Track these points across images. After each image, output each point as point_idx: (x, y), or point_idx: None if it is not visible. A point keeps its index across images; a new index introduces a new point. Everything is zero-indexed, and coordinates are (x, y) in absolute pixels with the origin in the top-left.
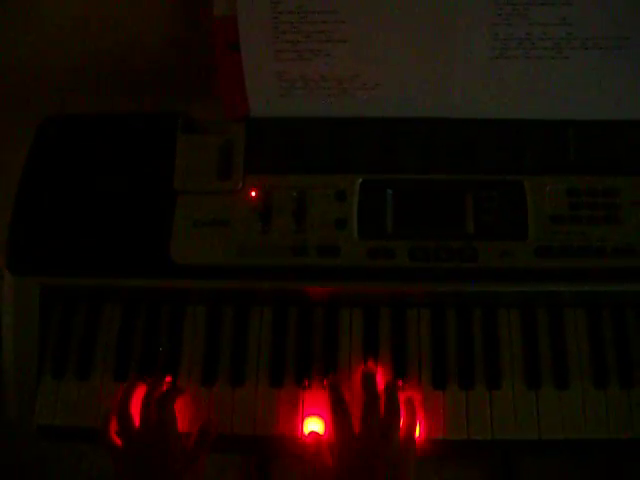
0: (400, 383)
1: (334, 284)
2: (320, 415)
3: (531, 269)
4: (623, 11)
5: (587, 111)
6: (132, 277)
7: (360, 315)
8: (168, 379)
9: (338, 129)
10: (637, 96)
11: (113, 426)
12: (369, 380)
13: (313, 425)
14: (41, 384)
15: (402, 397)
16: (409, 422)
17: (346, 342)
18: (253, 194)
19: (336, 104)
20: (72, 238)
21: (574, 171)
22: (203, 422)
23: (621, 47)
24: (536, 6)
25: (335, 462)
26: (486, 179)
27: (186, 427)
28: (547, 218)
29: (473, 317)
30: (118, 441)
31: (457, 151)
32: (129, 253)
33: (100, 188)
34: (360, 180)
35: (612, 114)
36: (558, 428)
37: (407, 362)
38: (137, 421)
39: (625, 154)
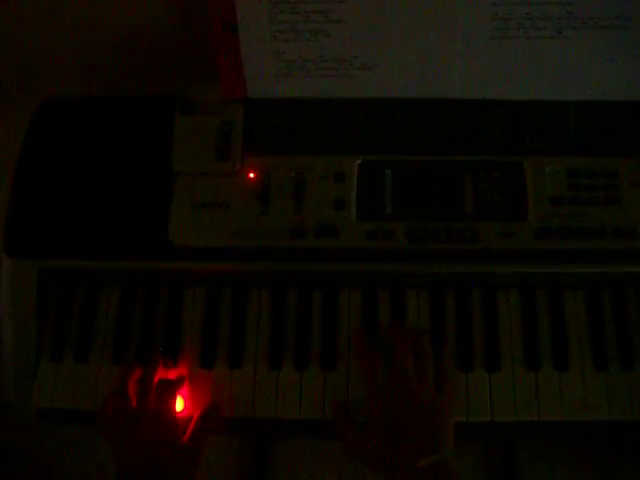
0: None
1: (333, 266)
2: None
3: (531, 250)
4: None
5: (587, 92)
6: (130, 259)
7: (359, 297)
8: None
9: (337, 110)
10: (638, 76)
11: (111, 408)
12: (399, 328)
13: None
14: (40, 367)
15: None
16: (445, 369)
17: (345, 324)
18: (251, 175)
19: (335, 85)
20: (70, 221)
21: (574, 152)
22: (205, 407)
23: (622, 27)
24: None
25: (371, 411)
26: (486, 160)
27: (185, 409)
28: (547, 199)
29: (472, 299)
30: (116, 423)
31: (457, 132)
32: (127, 235)
33: (98, 170)
34: (359, 161)
35: (612, 95)
36: (558, 410)
37: None
38: (135, 403)
39: (625, 135)
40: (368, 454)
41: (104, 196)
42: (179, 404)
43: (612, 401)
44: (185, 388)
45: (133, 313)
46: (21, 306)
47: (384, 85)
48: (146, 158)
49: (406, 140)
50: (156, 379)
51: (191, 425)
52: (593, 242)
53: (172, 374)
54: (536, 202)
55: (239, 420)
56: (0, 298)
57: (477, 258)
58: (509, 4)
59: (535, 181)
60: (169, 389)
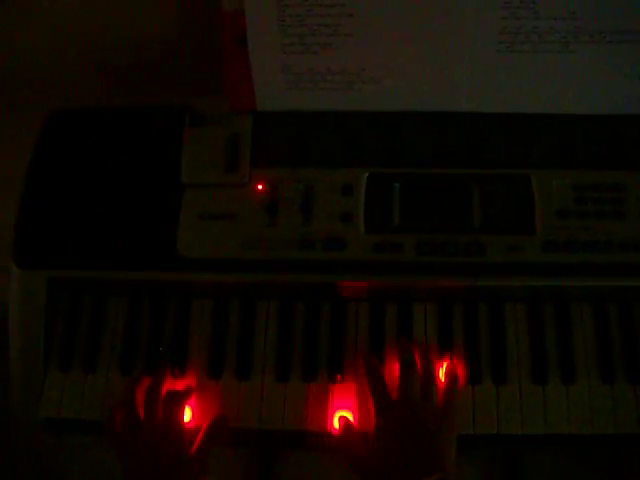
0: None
1: (340, 278)
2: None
3: (538, 264)
4: (633, 4)
5: (595, 106)
6: (139, 270)
7: (366, 309)
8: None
9: (345, 123)
10: None
11: (118, 419)
12: (405, 347)
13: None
14: (47, 377)
15: (446, 366)
16: (450, 387)
17: (352, 337)
18: (260, 187)
19: (343, 98)
20: (79, 231)
21: (581, 166)
22: (213, 419)
23: (629, 41)
24: None
25: (376, 429)
26: (493, 173)
27: (192, 419)
28: (554, 213)
29: (480, 312)
30: (123, 434)
31: (464, 145)
32: (136, 246)
33: (107, 181)
34: (367, 174)
35: (620, 109)
36: (565, 423)
37: None
38: (143, 414)
39: (632, 149)
40: (372, 470)
41: (113, 207)
42: (186, 415)
43: (619, 414)
44: (192, 399)
45: (141, 324)
46: (30, 316)
47: (391, 98)
48: (155, 169)
49: (414, 153)
50: (164, 390)
51: (198, 436)
52: (600, 255)
53: (180, 385)
54: (543, 216)
55: (246, 431)
56: (9, 308)
57: (484, 271)
58: (518, 18)
59: (542, 195)
60: (177, 400)
